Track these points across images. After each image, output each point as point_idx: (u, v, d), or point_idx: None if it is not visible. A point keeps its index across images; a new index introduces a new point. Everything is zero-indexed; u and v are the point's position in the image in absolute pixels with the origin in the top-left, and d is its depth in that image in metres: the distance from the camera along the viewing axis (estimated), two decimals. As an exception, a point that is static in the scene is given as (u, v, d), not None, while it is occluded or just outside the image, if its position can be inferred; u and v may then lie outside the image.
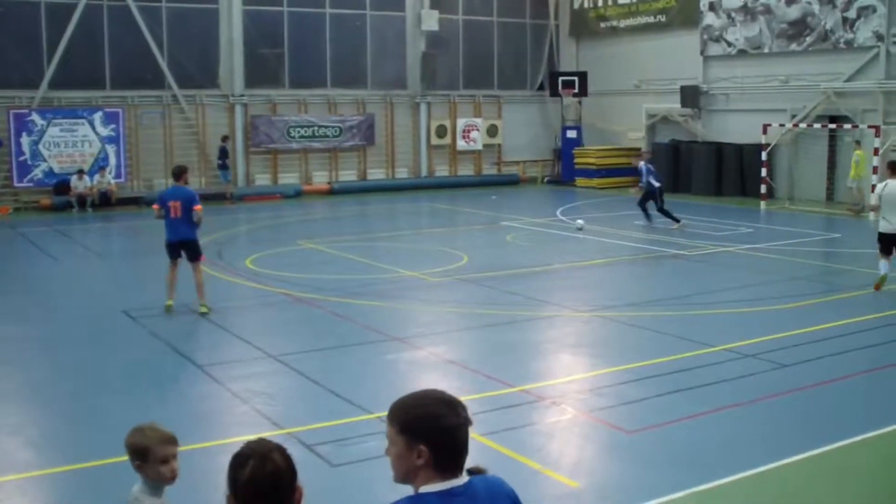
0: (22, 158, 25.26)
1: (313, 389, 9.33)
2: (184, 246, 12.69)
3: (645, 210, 21.26)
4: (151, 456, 3.76)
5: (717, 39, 28.53)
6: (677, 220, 20.63)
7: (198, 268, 12.73)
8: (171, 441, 3.82)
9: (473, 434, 8.28)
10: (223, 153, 27.09)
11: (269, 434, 7.49)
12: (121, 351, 10.97)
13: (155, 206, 13.12)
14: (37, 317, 12.85)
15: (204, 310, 12.51)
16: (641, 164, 21.36)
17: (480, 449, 7.52)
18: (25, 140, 25.24)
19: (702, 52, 29.02)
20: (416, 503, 2.67)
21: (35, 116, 25.38)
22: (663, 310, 12.84)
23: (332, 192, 29.30)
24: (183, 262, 12.77)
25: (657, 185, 20.94)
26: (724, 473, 7.04)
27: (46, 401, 9.21)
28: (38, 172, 25.51)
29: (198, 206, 12.54)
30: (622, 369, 9.88)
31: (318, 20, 29.61)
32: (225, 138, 27.54)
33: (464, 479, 2.74)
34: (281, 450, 2.74)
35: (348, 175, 30.53)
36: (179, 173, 12.92)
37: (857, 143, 23.86)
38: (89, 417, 8.49)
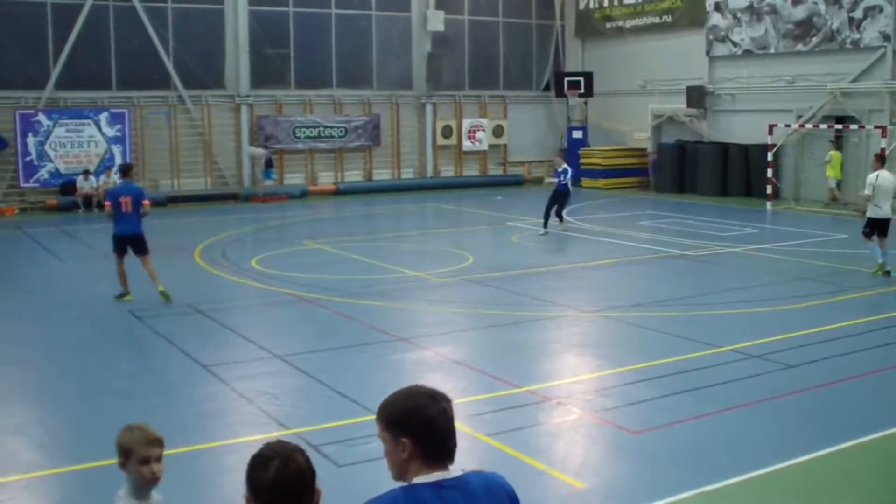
0: (28, 159, 25.32)
1: (319, 389, 9.32)
2: (133, 240, 13.22)
3: (557, 212, 20.82)
4: (133, 455, 3.72)
5: (723, 40, 28.48)
6: (545, 227, 20.23)
7: (147, 260, 13.27)
8: (155, 443, 3.77)
9: (479, 434, 8.20)
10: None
11: (276, 434, 7.49)
12: (126, 351, 11.00)
13: (107, 204, 13.63)
14: (42, 317, 12.85)
15: (162, 288, 13.03)
16: (564, 165, 21.12)
17: (486, 449, 7.52)
18: (31, 140, 25.29)
19: (707, 53, 28.98)
20: (407, 494, 2.70)
21: (41, 117, 25.44)
22: (669, 310, 12.82)
23: (337, 193, 29.30)
24: (132, 256, 13.32)
25: (570, 188, 20.95)
26: (730, 474, 7.03)
27: (51, 401, 9.22)
28: (43, 173, 25.57)
29: (146, 202, 13.32)
30: (628, 370, 9.87)
31: (324, 20, 29.63)
32: (266, 139, 28.13)
33: (456, 472, 2.75)
34: (301, 451, 2.76)
35: (354, 175, 30.55)
36: (127, 170, 13.78)
37: (832, 142, 24.01)
38: (94, 417, 8.48)
